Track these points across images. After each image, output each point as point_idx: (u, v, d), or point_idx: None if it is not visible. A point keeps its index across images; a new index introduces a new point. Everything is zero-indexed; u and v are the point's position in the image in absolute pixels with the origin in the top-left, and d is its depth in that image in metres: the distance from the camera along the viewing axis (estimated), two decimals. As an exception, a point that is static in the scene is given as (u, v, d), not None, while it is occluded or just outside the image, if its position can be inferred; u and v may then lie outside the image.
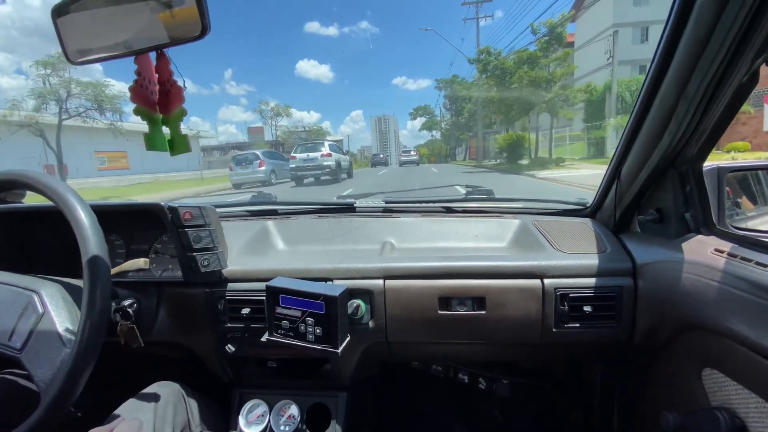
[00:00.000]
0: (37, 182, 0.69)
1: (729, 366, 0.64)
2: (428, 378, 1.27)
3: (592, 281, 0.85)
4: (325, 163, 11.95)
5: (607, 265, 0.86)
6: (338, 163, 12.52)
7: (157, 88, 0.55)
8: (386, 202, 1.30)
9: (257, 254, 1.05)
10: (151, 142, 0.56)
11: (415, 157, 30.08)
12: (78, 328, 0.60)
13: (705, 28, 0.56)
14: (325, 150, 12.18)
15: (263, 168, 12.50)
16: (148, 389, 0.87)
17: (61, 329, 0.65)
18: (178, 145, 0.58)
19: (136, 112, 0.55)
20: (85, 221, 0.64)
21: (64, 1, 0.56)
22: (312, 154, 12.11)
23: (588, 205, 1.11)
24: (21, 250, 0.97)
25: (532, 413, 1.33)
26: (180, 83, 0.52)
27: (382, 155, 39.56)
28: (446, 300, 0.88)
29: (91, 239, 0.63)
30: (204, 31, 0.46)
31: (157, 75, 0.55)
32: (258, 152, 13.28)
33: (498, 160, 19.95)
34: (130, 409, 0.81)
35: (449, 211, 1.22)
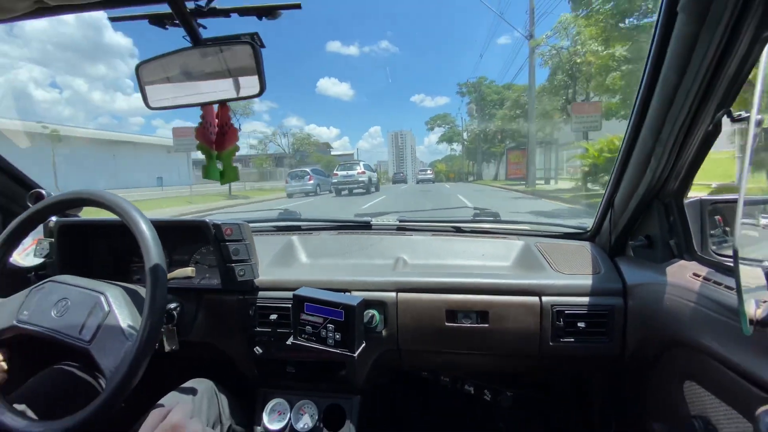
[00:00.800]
0: (108, 201, 0.82)
1: (705, 379, 0.71)
2: (436, 388, 1.35)
3: (586, 300, 0.93)
4: (360, 179, 15.12)
5: (600, 286, 0.95)
6: (370, 179, 15.69)
7: (216, 130, 0.68)
8: (400, 221, 1.41)
9: (283, 266, 1.17)
10: (207, 172, 0.69)
11: (430, 175, 33.22)
12: (141, 324, 0.71)
13: (671, 86, 0.67)
14: (360, 169, 15.55)
15: (311, 182, 15.79)
16: (186, 384, 0.98)
17: (123, 325, 0.75)
18: (228, 174, 0.70)
19: (199, 147, 0.68)
20: (148, 234, 0.76)
21: (147, 59, 0.70)
22: (350, 172, 15.51)
23: (588, 229, 1.19)
24: (82, 257, 1.11)
25: (535, 425, 1.38)
26: (236, 125, 0.64)
27: (402, 173, 44.59)
28: (453, 313, 0.98)
29: (153, 250, 0.75)
30: (262, 90, 0.59)
31: (217, 120, 0.68)
32: (308, 170, 17.03)
33: (576, 183, 11.09)
34: (171, 400, 0.92)
35: (458, 231, 1.32)
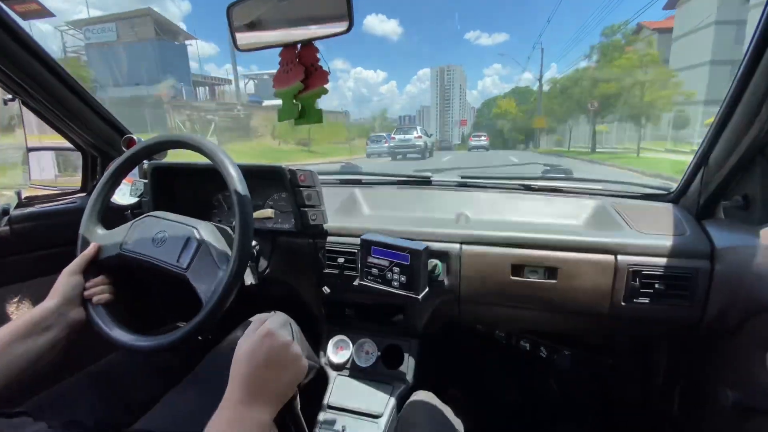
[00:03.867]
0: (198, 143, 0.88)
1: None
2: (490, 342, 1.38)
3: (667, 261, 0.88)
4: (416, 143, 15.71)
5: (684, 247, 0.89)
6: (425, 144, 15.96)
7: (296, 70, 0.69)
8: (462, 177, 1.39)
9: (348, 215, 1.21)
10: (282, 113, 0.71)
11: (484, 142, 29.27)
12: (233, 254, 0.76)
13: None
14: (417, 133, 16.23)
15: (387, 145, 17.30)
16: (270, 312, 1.08)
17: (215, 256, 0.82)
18: (311, 115, 0.72)
19: (277, 94, 0.70)
20: (235, 176, 0.82)
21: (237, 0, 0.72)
22: (407, 136, 16.12)
23: (672, 190, 1.11)
24: (171, 197, 1.22)
25: (589, 386, 1.38)
26: (325, 68, 0.65)
27: (447, 140, 44.03)
28: (519, 267, 0.97)
29: (241, 189, 0.80)
30: (350, 27, 0.59)
31: (299, 60, 0.69)
32: (384, 135, 18.77)
33: None
34: (258, 319, 1.02)
35: (525, 188, 1.28)
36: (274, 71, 0.70)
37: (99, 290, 0.83)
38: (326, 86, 0.66)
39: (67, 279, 0.80)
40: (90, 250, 0.86)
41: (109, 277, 0.87)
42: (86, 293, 0.81)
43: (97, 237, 0.90)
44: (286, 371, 0.57)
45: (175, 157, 1.32)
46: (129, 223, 0.93)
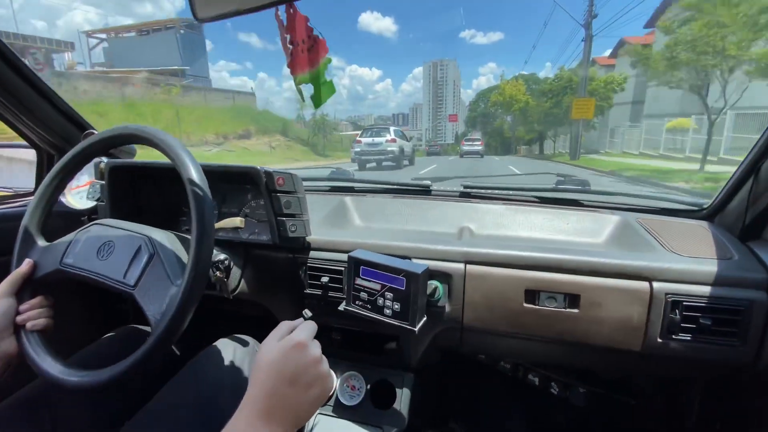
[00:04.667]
0: (156, 138, 0.73)
1: None
2: (493, 374, 1.22)
3: (714, 290, 0.74)
4: (389, 149, 12.03)
5: (734, 274, 0.74)
6: (401, 149, 12.50)
7: (306, 45, 0.55)
8: (464, 187, 1.25)
9: (336, 227, 1.06)
10: (318, 98, 0.57)
11: (478, 147, 24.55)
12: (188, 266, 0.62)
13: None
14: (390, 136, 12.27)
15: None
16: (234, 336, 0.92)
17: (169, 270, 0.68)
18: (327, 90, 0.58)
19: (300, 80, 0.56)
20: (195, 176, 0.68)
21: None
22: (377, 139, 12.22)
23: (705, 206, 0.97)
24: (133, 202, 1.06)
25: (605, 427, 1.22)
26: (318, 34, 0.52)
27: (437, 145, 40.04)
28: (534, 293, 0.82)
29: (201, 191, 0.66)
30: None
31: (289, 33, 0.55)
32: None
33: None
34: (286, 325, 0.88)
35: (535, 200, 1.14)
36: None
37: (35, 314, 0.70)
38: (328, 55, 0.53)
39: None
40: (23, 267, 0.72)
41: (49, 298, 0.74)
42: (19, 319, 0.68)
43: (35, 250, 0.76)
44: (311, 391, 0.51)
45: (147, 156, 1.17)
46: (72, 234, 0.78)
